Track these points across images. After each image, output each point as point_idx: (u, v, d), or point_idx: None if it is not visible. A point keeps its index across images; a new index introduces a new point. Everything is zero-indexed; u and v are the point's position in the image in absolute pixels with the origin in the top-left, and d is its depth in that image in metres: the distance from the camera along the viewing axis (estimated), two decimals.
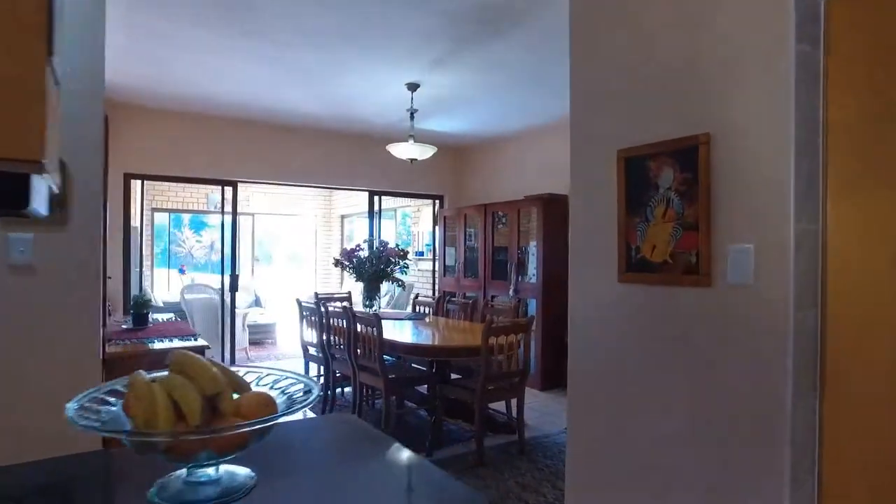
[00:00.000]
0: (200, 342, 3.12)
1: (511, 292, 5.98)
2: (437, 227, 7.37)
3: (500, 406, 4.36)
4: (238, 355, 7.38)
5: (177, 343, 3.11)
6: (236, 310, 9.15)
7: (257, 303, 10.11)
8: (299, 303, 4.97)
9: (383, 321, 4.97)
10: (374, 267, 5.13)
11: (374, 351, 3.90)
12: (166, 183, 9.59)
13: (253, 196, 10.41)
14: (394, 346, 3.85)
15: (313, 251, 11.52)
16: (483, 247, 6.43)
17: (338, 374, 4.65)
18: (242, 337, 7.18)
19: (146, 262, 9.44)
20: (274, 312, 11.78)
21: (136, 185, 9.58)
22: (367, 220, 10.93)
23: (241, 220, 10.89)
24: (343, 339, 4.28)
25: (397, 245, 5.36)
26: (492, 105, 5.30)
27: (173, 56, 4.07)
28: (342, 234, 11.13)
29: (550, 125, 5.98)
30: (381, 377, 3.91)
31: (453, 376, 4.48)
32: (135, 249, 6.18)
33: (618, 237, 2.10)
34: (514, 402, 4.00)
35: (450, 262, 7.07)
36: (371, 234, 6.73)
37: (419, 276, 8.45)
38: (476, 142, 6.95)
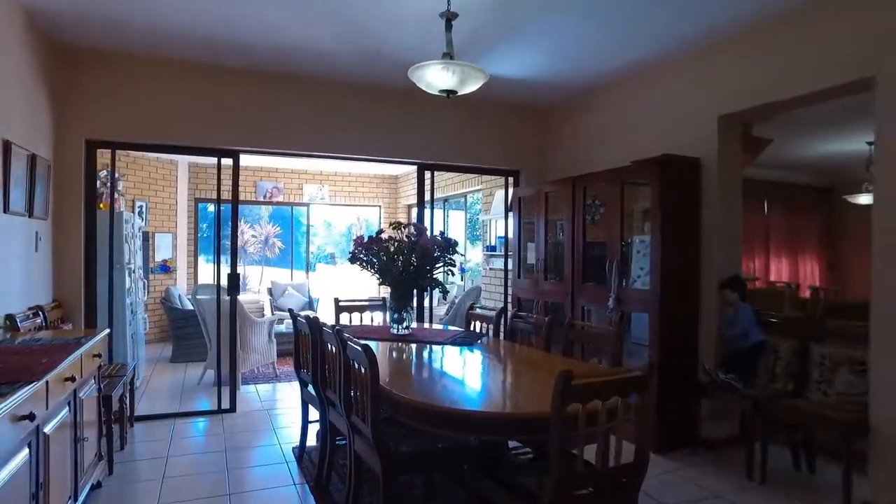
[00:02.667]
0: None
1: (610, 303, 4.10)
2: (510, 214, 5.61)
3: None
4: (264, 370, 6.04)
5: None
6: (263, 316, 7.92)
7: (310, 306, 8.84)
8: (294, 316, 3.42)
9: (413, 346, 3.33)
10: (406, 264, 3.49)
11: (366, 407, 2.25)
12: (209, 169, 8.59)
13: (307, 184, 9.16)
14: (395, 404, 2.16)
15: None
16: (571, 237, 4.58)
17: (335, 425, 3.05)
18: (269, 349, 5.82)
19: (188, 258, 8.46)
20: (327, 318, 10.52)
21: (181, 170, 8.68)
22: (437, 210, 9.51)
23: (291, 210, 9.72)
24: (339, 378, 2.66)
25: (442, 233, 3.67)
26: (578, 26, 3.48)
27: None
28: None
29: (666, 59, 4.03)
30: (374, 451, 2.25)
31: (515, 448, 2.73)
32: (122, 241, 4.96)
33: None
34: None
35: (530, 259, 5.29)
36: (420, 220, 5.09)
37: (491, 279, 6.72)
38: (560, 92, 5.10)
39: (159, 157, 8.03)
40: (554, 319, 3.47)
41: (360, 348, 2.23)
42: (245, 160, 7.92)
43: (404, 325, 3.56)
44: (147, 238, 7.88)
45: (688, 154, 3.87)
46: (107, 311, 4.14)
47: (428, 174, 5.22)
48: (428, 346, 3.32)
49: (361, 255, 3.56)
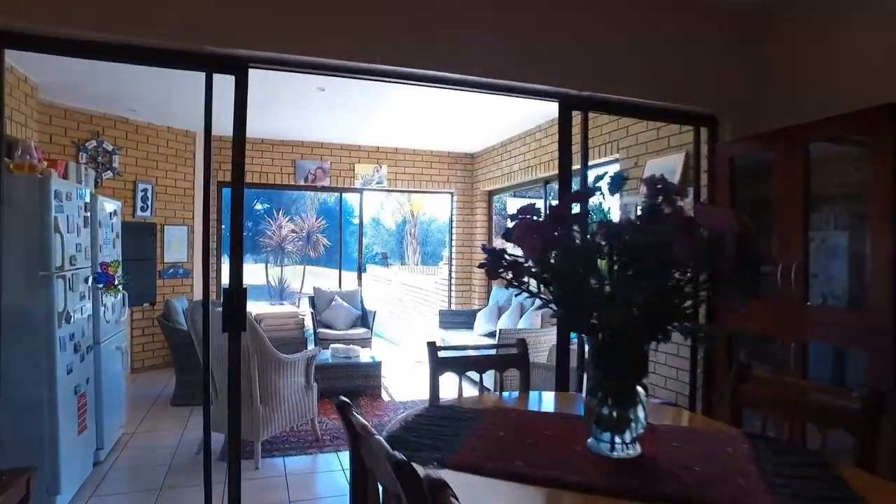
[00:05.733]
0: None
1: None
2: (702, 189, 3.37)
3: None
4: (303, 427, 3.98)
5: None
6: (304, 334, 5.91)
7: (364, 321, 6.80)
8: (353, 428, 1.28)
9: None
10: (654, 281, 1.31)
11: None
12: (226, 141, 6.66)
13: (359, 163, 7.13)
14: None
15: (446, 247, 8.01)
16: (893, 226, 2.29)
17: None
18: (306, 399, 3.77)
19: (212, 258, 6.56)
20: (389, 341, 8.41)
21: (200, 143, 6.75)
22: (524, 198, 7.50)
23: (340, 198, 7.69)
24: None
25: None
26: None
27: None
28: (490, 222, 7.47)
29: None
30: None
31: None
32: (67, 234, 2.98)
33: None
34: None
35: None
36: (562, 203, 2.90)
37: None
38: None
39: (171, 128, 6.14)
40: None
41: None
42: (271, 127, 5.70)
43: (628, 438, 1.39)
44: (153, 231, 6.02)
45: None
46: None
47: (577, 117, 3.01)
48: None
49: (531, 265, 1.40)
